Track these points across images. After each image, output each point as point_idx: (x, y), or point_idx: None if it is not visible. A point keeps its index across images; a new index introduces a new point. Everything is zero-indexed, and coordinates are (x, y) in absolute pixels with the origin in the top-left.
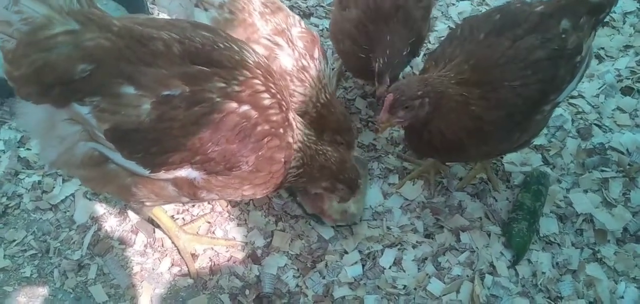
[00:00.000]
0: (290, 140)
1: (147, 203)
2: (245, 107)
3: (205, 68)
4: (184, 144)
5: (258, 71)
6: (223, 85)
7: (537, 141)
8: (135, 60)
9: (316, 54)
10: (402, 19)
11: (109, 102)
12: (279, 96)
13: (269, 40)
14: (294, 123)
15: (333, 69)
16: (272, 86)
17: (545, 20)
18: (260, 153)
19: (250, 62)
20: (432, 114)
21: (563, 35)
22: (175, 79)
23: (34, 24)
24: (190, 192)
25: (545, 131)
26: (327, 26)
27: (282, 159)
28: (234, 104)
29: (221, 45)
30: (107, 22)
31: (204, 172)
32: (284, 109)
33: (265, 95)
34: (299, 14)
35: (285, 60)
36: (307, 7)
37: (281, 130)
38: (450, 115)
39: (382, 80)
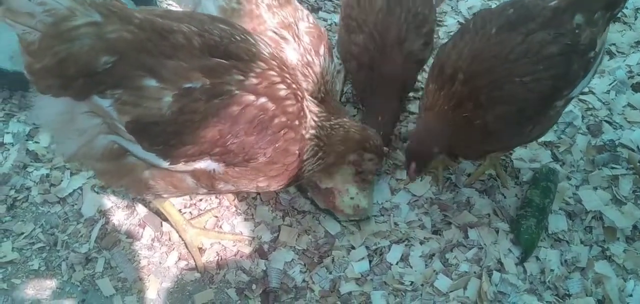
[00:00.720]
0: (303, 132)
1: (165, 195)
2: (262, 100)
3: (224, 61)
4: (204, 136)
5: (273, 63)
6: (241, 78)
7: (547, 138)
8: (157, 53)
9: (322, 50)
10: (398, 63)
11: (131, 94)
12: (294, 86)
13: (275, 33)
14: (307, 113)
15: (341, 64)
16: (287, 76)
17: (559, 15)
18: (277, 145)
19: (266, 54)
20: (455, 147)
21: (577, 31)
22: (195, 72)
23: (57, 15)
24: (208, 183)
25: (554, 127)
26: (336, 21)
27: (296, 152)
28: (252, 97)
29: (238, 38)
30: (129, 14)
31: (222, 163)
32: (300, 98)
33: (281, 86)
34: (307, 8)
35: (291, 54)
36: (315, 1)
37: (297, 122)
38: (464, 138)
39: None
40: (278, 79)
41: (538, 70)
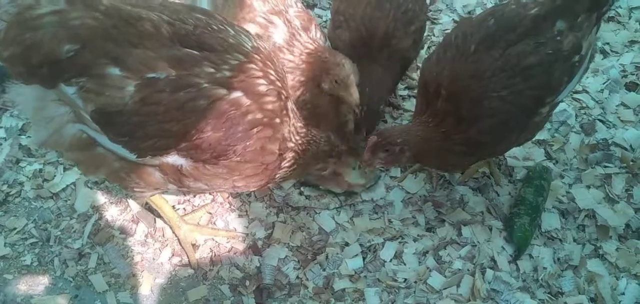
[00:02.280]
0: (285, 133)
1: (136, 189)
2: (236, 94)
3: (194, 52)
4: (169, 130)
5: (256, 56)
6: (212, 70)
7: (540, 136)
8: (122, 41)
9: (312, 28)
10: (385, 60)
11: (95, 83)
12: (278, 83)
13: (264, 18)
14: (292, 115)
15: None
16: (271, 72)
17: (539, 24)
18: (248, 143)
19: (248, 47)
20: (422, 157)
21: (558, 38)
22: (161, 62)
23: (22, 5)
24: (175, 179)
25: (548, 125)
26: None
27: (276, 151)
28: (223, 91)
29: (215, 27)
30: (94, 0)
31: (190, 159)
32: (283, 97)
33: (262, 81)
34: (303, 3)
35: (278, 37)
36: None
37: (277, 120)
38: (440, 153)
39: (359, 131)
40: (259, 73)
41: (516, 83)
